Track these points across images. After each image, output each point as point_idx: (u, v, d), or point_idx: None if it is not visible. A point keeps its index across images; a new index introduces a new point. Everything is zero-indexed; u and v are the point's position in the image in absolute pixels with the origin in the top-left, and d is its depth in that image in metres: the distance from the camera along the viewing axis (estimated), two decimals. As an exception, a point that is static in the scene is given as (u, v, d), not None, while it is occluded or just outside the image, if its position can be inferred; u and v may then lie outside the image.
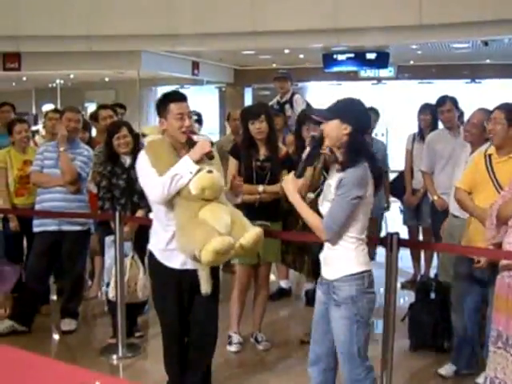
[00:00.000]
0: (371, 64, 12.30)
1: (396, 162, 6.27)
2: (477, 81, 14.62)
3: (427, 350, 4.07)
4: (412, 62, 14.04)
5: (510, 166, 3.37)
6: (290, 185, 2.71)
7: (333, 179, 2.65)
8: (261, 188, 3.96)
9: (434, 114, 5.18)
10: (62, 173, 4.35)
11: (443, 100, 4.95)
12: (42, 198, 4.43)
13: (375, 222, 5.37)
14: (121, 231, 3.96)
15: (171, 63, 12.26)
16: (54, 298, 5.08)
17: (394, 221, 6.30)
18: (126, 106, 5.96)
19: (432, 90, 12.05)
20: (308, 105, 5.88)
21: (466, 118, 4.70)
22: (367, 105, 6.03)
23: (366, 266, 2.69)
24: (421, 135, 5.40)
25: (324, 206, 2.67)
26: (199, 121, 6.26)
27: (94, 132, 5.66)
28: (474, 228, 3.43)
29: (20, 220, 4.71)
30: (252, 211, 3.86)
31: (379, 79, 14.69)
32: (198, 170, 2.81)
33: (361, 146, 2.63)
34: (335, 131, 2.60)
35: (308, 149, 2.80)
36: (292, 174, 2.77)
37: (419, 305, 4.17)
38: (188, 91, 13.00)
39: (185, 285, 3.01)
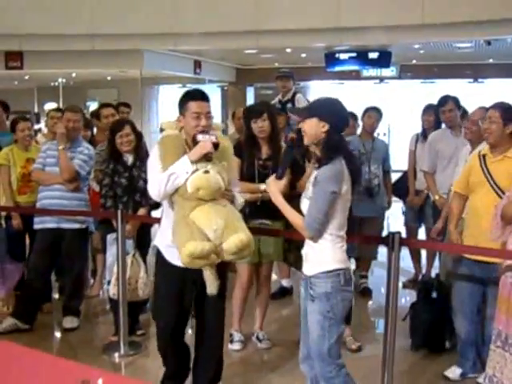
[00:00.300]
0: (373, 63, 12.28)
1: (398, 162, 6.27)
2: (479, 80, 14.61)
3: (428, 350, 4.07)
4: (414, 62, 14.03)
5: (505, 165, 3.38)
6: (273, 187, 2.78)
7: (312, 176, 2.71)
8: (263, 187, 3.96)
9: (437, 115, 5.17)
10: (60, 171, 4.37)
11: (445, 100, 4.95)
12: (42, 196, 4.47)
13: (377, 221, 5.37)
14: (123, 229, 3.97)
15: (173, 62, 12.28)
16: (56, 296, 5.09)
17: (397, 221, 6.30)
18: (131, 105, 5.95)
19: (434, 90, 12.04)
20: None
21: (468, 117, 4.70)
22: (369, 104, 6.05)
23: (342, 263, 2.71)
24: (424, 136, 5.38)
25: (303, 203, 2.72)
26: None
27: (95, 130, 5.67)
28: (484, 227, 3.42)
29: (22, 218, 4.73)
30: (254, 210, 3.88)
31: (381, 78, 14.68)
32: (196, 170, 2.80)
33: (338, 144, 2.69)
34: (313, 129, 2.68)
35: (283, 150, 2.85)
36: (273, 176, 2.83)
37: (421, 304, 4.17)
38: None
39: (188, 283, 3.02)
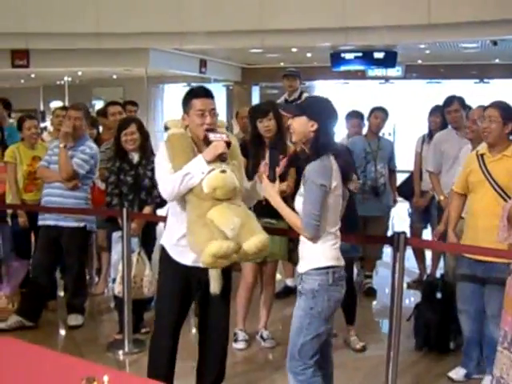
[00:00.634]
0: (379, 63, 12.28)
1: (403, 162, 6.26)
2: (485, 81, 14.57)
3: (433, 350, 4.07)
4: (420, 62, 14.01)
5: (504, 164, 3.37)
6: (270, 190, 2.79)
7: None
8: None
9: (444, 116, 5.16)
10: (59, 169, 4.39)
11: (450, 100, 4.94)
12: (44, 193, 4.53)
13: (382, 220, 5.37)
14: (128, 227, 3.98)
15: (179, 61, 12.29)
16: (61, 293, 5.11)
17: (402, 222, 6.29)
18: (138, 104, 5.96)
19: (440, 90, 12.03)
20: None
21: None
22: (374, 104, 6.03)
23: (333, 261, 2.69)
24: (430, 137, 5.37)
25: (297, 201, 2.73)
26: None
27: (101, 129, 5.69)
28: (482, 227, 3.41)
29: (28, 216, 4.74)
30: (259, 209, 3.86)
31: (387, 78, 14.67)
32: (212, 169, 2.76)
33: (327, 143, 2.69)
34: (302, 127, 2.69)
35: (268, 153, 2.85)
36: (266, 179, 2.83)
37: (425, 304, 4.17)
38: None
39: (193, 282, 3.02)
